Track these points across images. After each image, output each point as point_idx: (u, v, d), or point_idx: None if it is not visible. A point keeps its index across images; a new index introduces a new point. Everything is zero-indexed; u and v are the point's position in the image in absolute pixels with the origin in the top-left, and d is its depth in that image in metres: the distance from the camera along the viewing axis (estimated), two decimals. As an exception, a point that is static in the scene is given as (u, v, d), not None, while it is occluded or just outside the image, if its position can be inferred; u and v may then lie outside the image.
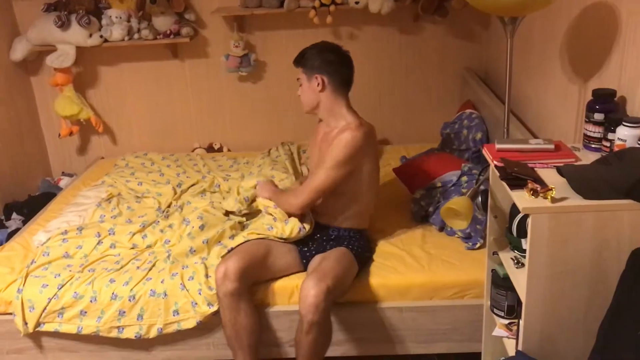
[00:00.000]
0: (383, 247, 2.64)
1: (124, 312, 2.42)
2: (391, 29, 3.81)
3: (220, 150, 4.05)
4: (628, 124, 1.73)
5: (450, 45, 3.84)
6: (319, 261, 2.39)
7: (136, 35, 3.67)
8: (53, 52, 3.67)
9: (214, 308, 2.38)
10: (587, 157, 1.82)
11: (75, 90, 3.82)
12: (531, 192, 1.59)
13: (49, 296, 2.43)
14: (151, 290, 2.42)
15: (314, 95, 2.51)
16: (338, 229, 2.57)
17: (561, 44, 2.45)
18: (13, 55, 3.73)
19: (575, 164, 1.77)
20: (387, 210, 2.88)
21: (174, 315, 2.41)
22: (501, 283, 2.03)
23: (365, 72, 3.63)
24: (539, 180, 1.66)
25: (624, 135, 1.74)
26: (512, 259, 1.92)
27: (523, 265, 1.83)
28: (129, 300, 2.41)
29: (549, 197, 1.56)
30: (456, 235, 2.66)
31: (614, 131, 1.78)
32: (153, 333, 2.43)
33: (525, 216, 1.63)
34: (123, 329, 2.44)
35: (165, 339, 2.48)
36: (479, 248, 2.55)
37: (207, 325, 2.45)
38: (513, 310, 2.02)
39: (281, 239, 2.50)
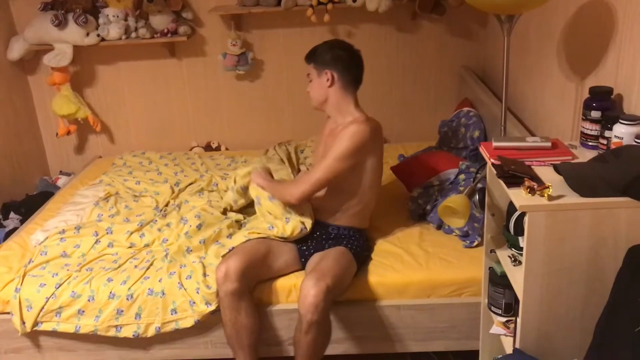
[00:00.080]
0: (381, 246, 2.64)
1: (122, 311, 2.42)
2: (388, 27, 3.81)
3: (218, 149, 4.05)
4: (625, 121, 1.73)
5: (448, 43, 3.84)
6: (318, 260, 2.39)
7: (133, 34, 3.67)
8: (50, 51, 3.67)
9: (212, 307, 2.38)
10: (584, 155, 1.82)
11: (72, 90, 3.82)
12: (528, 190, 1.59)
13: (47, 295, 2.43)
14: (149, 289, 2.42)
15: (323, 91, 2.52)
16: (338, 227, 2.57)
17: (558, 42, 2.46)
18: (10, 55, 3.72)
19: (572, 161, 1.77)
20: (384, 208, 2.89)
21: (172, 314, 2.41)
22: (499, 281, 2.03)
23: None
24: (535, 178, 1.66)
25: (620, 132, 1.74)
26: (509, 256, 1.92)
27: (520, 263, 1.83)
28: (127, 299, 2.41)
29: (545, 195, 1.57)
30: (454, 234, 2.66)
31: (610, 129, 1.78)
32: (151, 332, 2.43)
33: (522, 214, 1.63)
34: (121, 328, 2.44)
35: (163, 338, 2.48)
36: (476, 246, 2.55)
37: (205, 324, 2.45)
38: (510, 308, 2.02)
39: (282, 238, 2.50)
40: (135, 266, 2.54)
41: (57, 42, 3.64)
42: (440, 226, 2.74)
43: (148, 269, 2.51)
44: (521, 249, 1.78)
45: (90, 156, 4.13)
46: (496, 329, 2.04)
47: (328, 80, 2.49)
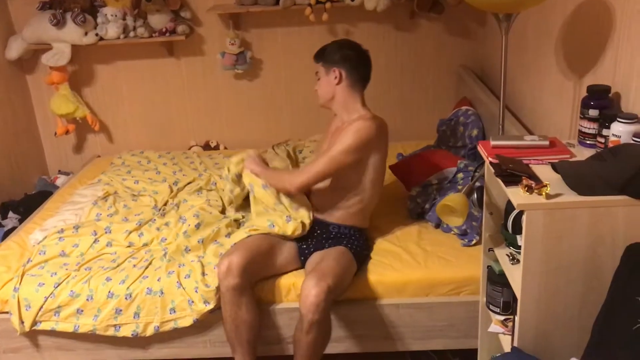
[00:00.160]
0: (379, 244, 2.64)
1: (121, 310, 2.42)
2: (387, 26, 3.81)
3: (216, 148, 4.05)
4: (622, 120, 1.73)
5: (446, 42, 3.84)
6: (318, 260, 2.39)
7: (132, 34, 3.67)
8: (48, 51, 3.67)
9: (211, 305, 2.38)
10: (582, 153, 1.82)
11: (71, 89, 3.81)
12: (526, 188, 1.59)
13: (46, 295, 2.43)
14: (147, 288, 2.42)
15: (330, 88, 2.54)
16: (339, 226, 2.57)
17: (556, 40, 2.46)
18: (8, 54, 3.72)
19: (570, 160, 1.77)
20: (383, 207, 2.88)
21: (170, 313, 2.41)
22: (497, 279, 2.03)
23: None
24: (533, 176, 1.66)
25: (618, 131, 1.74)
26: (507, 255, 1.93)
27: (518, 261, 1.84)
28: (126, 298, 2.41)
29: (543, 193, 1.57)
30: (452, 232, 2.66)
31: (608, 127, 1.78)
32: (150, 331, 2.43)
33: (521, 213, 1.63)
34: (120, 327, 2.44)
35: (162, 337, 2.48)
36: (475, 244, 2.55)
37: (204, 323, 2.46)
38: (509, 306, 2.02)
39: (282, 236, 2.50)
40: (134, 265, 2.54)
41: (56, 41, 3.63)
42: (438, 225, 2.74)
43: (147, 268, 2.51)
44: (519, 247, 1.78)
45: (88, 155, 4.13)
46: (494, 327, 2.04)
47: (336, 78, 2.51)
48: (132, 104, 4.03)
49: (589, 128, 1.87)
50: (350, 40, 2.63)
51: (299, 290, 2.42)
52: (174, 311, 2.41)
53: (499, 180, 1.70)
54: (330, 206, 2.58)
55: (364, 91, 2.58)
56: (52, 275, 2.49)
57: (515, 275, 1.79)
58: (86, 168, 3.79)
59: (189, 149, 4.02)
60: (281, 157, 3.24)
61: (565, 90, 2.37)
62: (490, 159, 1.82)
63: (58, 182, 3.90)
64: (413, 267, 2.48)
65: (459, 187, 2.67)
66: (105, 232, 2.74)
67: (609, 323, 1.49)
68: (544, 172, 1.70)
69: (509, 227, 1.90)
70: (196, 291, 2.39)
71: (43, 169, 4.15)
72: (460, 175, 2.77)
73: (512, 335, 1.84)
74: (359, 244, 2.53)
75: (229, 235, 2.64)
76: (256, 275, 2.41)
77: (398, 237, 2.69)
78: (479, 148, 1.95)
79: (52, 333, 2.49)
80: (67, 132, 3.93)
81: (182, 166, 3.52)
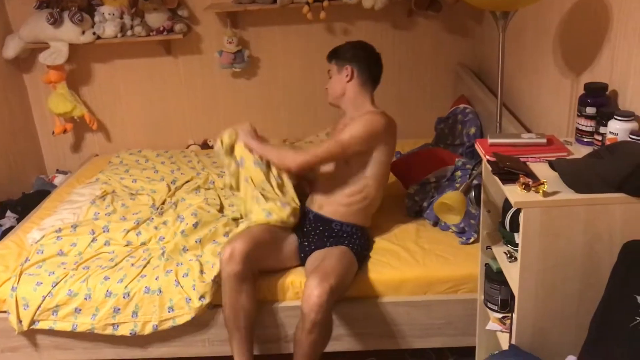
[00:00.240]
0: (378, 243, 2.65)
1: (119, 309, 2.42)
2: (385, 25, 3.81)
3: (214, 146, 4.04)
4: (619, 117, 1.74)
5: (444, 40, 3.84)
6: (320, 259, 2.39)
7: (129, 32, 3.66)
8: (46, 50, 3.66)
9: (206, 300, 2.38)
10: (579, 151, 1.83)
11: (68, 88, 3.81)
12: (523, 186, 1.59)
13: (43, 294, 2.43)
14: (146, 287, 2.42)
15: (341, 85, 2.58)
16: (341, 224, 2.57)
17: (553, 38, 2.46)
18: (5, 53, 3.71)
19: (568, 158, 1.78)
20: (381, 205, 2.88)
21: (169, 311, 2.41)
22: (494, 277, 2.03)
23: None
24: (530, 174, 1.67)
25: (615, 129, 1.74)
26: (505, 253, 1.93)
27: (516, 259, 1.84)
28: (124, 297, 2.41)
29: (540, 191, 1.57)
30: (450, 230, 2.66)
31: (605, 125, 1.79)
32: (148, 330, 2.43)
33: (518, 210, 1.64)
34: (118, 326, 2.44)
35: (161, 336, 2.48)
36: (472, 242, 2.55)
37: (203, 322, 2.46)
38: (506, 304, 2.03)
39: (282, 223, 2.50)
40: (132, 264, 2.54)
41: (53, 40, 3.63)
42: (436, 223, 2.74)
43: (145, 267, 2.51)
44: (517, 245, 1.78)
45: (86, 154, 4.12)
46: (492, 325, 2.04)
47: (347, 75, 2.56)
48: (129, 102, 4.03)
49: (586, 126, 1.88)
50: (363, 41, 2.67)
51: (297, 289, 2.43)
52: (172, 309, 2.41)
53: (496, 178, 1.70)
54: (334, 203, 2.58)
55: (374, 92, 2.62)
56: (50, 275, 2.49)
57: (512, 273, 1.79)
58: (84, 167, 3.78)
59: (187, 147, 4.02)
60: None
61: (562, 88, 2.38)
62: (487, 157, 1.82)
63: (56, 181, 3.90)
64: (411, 265, 2.48)
65: (457, 185, 2.68)
66: (103, 231, 2.74)
67: (606, 320, 1.49)
68: (541, 170, 1.70)
69: (506, 225, 1.91)
70: (194, 289, 2.39)
71: (41, 168, 4.15)
72: (458, 173, 2.78)
73: (510, 332, 1.84)
74: (360, 243, 2.53)
75: (227, 234, 2.64)
76: (257, 265, 2.40)
77: (396, 235, 2.69)
78: (476, 146, 1.95)
79: (50, 332, 2.49)
80: (64, 131, 3.93)
81: (180, 165, 3.52)
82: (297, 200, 2.57)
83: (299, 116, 4.00)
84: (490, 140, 1.89)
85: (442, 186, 2.78)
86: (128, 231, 2.73)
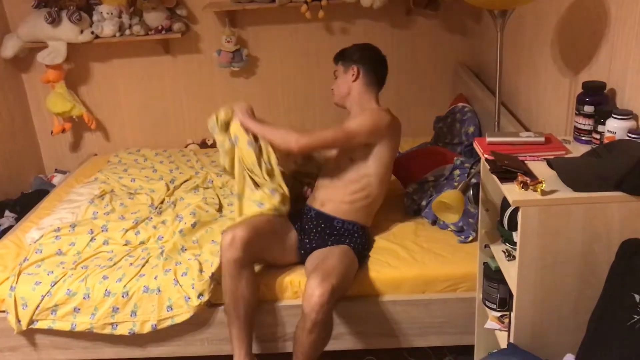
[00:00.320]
0: (376, 242, 2.64)
1: (118, 308, 2.42)
2: (383, 24, 3.80)
3: (213, 146, 4.04)
4: (617, 116, 1.74)
5: (443, 39, 3.84)
6: (321, 258, 2.38)
7: (127, 31, 3.66)
8: (44, 49, 3.65)
9: (205, 298, 2.38)
10: (578, 150, 1.83)
11: (67, 87, 3.81)
12: (521, 185, 1.60)
13: (42, 293, 2.43)
14: (144, 286, 2.42)
15: (347, 85, 2.62)
16: (343, 221, 2.57)
17: (552, 37, 2.46)
18: (4, 52, 3.70)
19: (566, 156, 1.78)
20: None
21: (167, 310, 2.41)
22: (493, 276, 2.03)
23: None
24: (529, 173, 1.67)
25: (613, 127, 1.75)
26: (503, 251, 1.93)
27: (514, 258, 1.84)
28: (122, 296, 2.41)
29: (538, 189, 1.57)
30: (449, 229, 2.67)
31: (603, 123, 1.79)
32: (147, 329, 2.43)
33: (516, 209, 1.64)
34: (117, 325, 2.44)
35: (160, 335, 2.48)
36: (471, 241, 2.56)
37: (201, 322, 2.46)
38: (505, 302, 2.03)
39: (275, 211, 2.49)
40: (131, 264, 2.54)
41: (51, 39, 3.62)
42: (435, 222, 2.74)
43: (143, 266, 2.51)
44: (515, 244, 1.78)
45: (85, 154, 4.12)
46: (491, 323, 2.04)
47: (353, 75, 2.60)
48: (128, 102, 4.03)
49: (584, 124, 1.88)
50: (370, 43, 2.72)
51: (296, 288, 2.43)
52: (171, 308, 2.41)
53: (495, 177, 1.70)
54: (336, 201, 2.58)
55: (379, 93, 2.66)
56: (48, 274, 2.49)
57: (511, 272, 1.79)
58: (83, 166, 3.78)
59: (186, 146, 4.02)
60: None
61: (560, 86, 2.38)
62: (485, 155, 1.82)
63: (54, 180, 3.90)
64: (410, 264, 2.48)
65: (455, 184, 2.68)
66: (102, 231, 2.74)
67: (604, 318, 1.49)
68: (539, 168, 1.70)
69: (504, 224, 1.91)
70: (192, 287, 2.39)
71: (39, 167, 4.14)
72: (457, 172, 2.78)
73: (508, 331, 1.84)
74: (361, 242, 2.54)
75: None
76: (257, 253, 2.40)
77: (395, 234, 2.70)
78: (474, 145, 1.95)
79: (49, 332, 2.49)
80: (63, 130, 3.92)
81: (178, 164, 3.52)
82: (285, 187, 2.54)
83: (297, 115, 3.99)
84: (488, 139, 1.89)
85: (441, 185, 2.78)
86: (127, 230, 2.73)
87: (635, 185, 1.54)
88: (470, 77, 3.55)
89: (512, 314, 1.73)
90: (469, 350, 2.37)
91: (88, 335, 2.49)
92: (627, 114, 1.73)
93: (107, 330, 2.44)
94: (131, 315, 2.42)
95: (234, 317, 2.35)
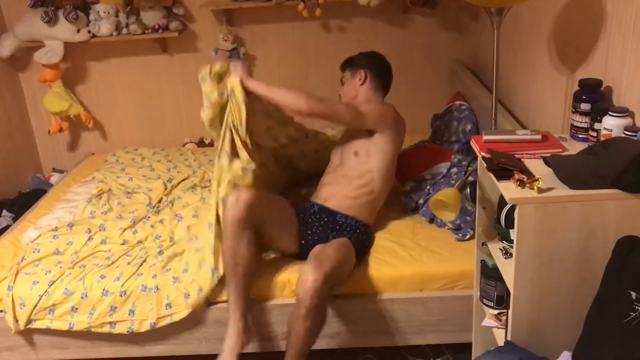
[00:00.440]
0: (374, 240, 2.65)
1: (116, 307, 2.42)
2: (380, 22, 3.81)
3: (211, 144, 4.04)
4: (614, 113, 1.74)
5: (440, 37, 3.84)
6: (320, 249, 2.39)
7: (124, 30, 3.66)
8: (41, 48, 3.65)
9: (204, 293, 2.38)
10: (574, 147, 1.83)
11: (64, 86, 3.81)
12: (518, 182, 1.60)
13: (40, 293, 2.43)
14: (142, 285, 2.42)
15: (354, 89, 2.72)
16: (346, 217, 2.57)
17: (548, 35, 2.46)
18: (0, 52, 3.70)
19: (562, 154, 1.78)
20: (377, 202, 2.89)
21: (166, 308, 2.41)
22: (490, 273, 2.04)
23: (355, 64, 3.63)
24: (525, 170, 1.67)
25: (610, 125, 1.75)
26: (500, 249, 1.93)
27: (511, 255, 1.84)
28: (120, 295, 2.41)
29: (535, 187, 1.57)
30: (446, 227, 2.67)
31: (600, 121, 1.79)
32: (145, 328, 2.43)
33: (513, 207, 1.64)
34: (115, 324, 2.44)
35: (158, 334, 2.48)
36: (468, 239, 2.56)
37: (199, 320, 2.46)
38: (502, 300, 2.03)
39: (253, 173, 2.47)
40: (129, 263, 2.54)
41: (48, 38, 3.62)
42: (432, 220, 2.74)
43: (141, 265, 2.51)
44: (512, 241, 1.78)
45: (82, 153, 4.12)
46: (488, 321, 2.05)
47: (360, 79, 2.70)
48: (125, 101, 4.03)
49: (581, 122, 1.88)
50: (376, 51, 2.83)
51: (293, 286, 2.43)
52: (170, 306, 2.41)
53: (491, 175, 1.71)
54: (340, 196, 2.60)
55: (384, 99, 2.74)
56: (46, 274, 2.49)
57: (508, 269, 1.80)
58: (80, 166, 3.78)
59: (183, 146, 4.02)
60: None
61: (557, 84, 2.38)
62: (482, 153, 1.83)
63: (52, 180, 3.89)
64: (407, 262, 2.48)
65: (452, 182, 2.68)
66: (100, 230, 2.74)
67: (601, 316, 1.50)
68: (536, 166, 1.70)
69: (501, 222, 1.91)
70: (192, 282, 2.40)
71: (37, 167, 4.14)
72: (454, 170, 2.78)
73: (506, 329, 1.85)
74: (362, 239, 2.55)
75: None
76: (258, 219, 2.38)
77: (392, 232, 2.70)
78: (471, 142, 1.95)
79: (47, 331, 2.49)
80: (60, 129, 3.92)
81: (176, 163, 3.52)
82: (252, 164, 2.48)
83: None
84: (485, 137, 1.89)
85: (438, 183, 2.78)
86: (124, 230, 2.73)
87: (632, 183, 1.54)
88: (468, 75, 3.55)
89: (510, 312, 1.73)
90: (466, 347, 2.37)
91: (86, 335, 2.49)
92: (623, 112, 1.73)
93: (106, 329, 2.44)
94: (129, 314, 2.42)
95: (232, 275, 2.36)
